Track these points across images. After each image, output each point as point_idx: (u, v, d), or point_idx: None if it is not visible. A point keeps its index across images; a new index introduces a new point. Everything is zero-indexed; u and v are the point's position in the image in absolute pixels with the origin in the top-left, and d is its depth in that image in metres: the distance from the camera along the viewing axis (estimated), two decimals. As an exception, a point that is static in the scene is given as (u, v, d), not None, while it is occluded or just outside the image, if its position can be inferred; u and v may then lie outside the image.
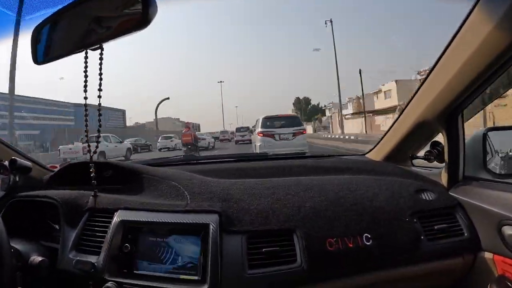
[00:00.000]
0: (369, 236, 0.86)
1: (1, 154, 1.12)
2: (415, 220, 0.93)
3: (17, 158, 1.07)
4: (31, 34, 0.76)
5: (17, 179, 1.08)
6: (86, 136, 0.87)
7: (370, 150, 1.39)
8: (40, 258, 0.83)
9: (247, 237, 0.84)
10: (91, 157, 0.89)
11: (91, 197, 0.97)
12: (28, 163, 1.10)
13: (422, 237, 0.90)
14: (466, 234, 0.93)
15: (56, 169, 1.22)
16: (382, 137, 1.30)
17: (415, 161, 1.25)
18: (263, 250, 0.81)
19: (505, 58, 0.78)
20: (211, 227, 0.83)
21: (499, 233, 0.86)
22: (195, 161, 1.49)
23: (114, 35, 0.62)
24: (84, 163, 1.17)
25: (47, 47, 0.75)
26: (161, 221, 0.86)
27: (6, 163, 1.07)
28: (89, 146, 0.89)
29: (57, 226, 1.01)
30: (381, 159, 1.30)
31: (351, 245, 0.84)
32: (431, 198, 1.00)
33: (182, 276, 0.80)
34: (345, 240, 0.85)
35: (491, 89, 0.93)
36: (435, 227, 0.93)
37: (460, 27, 0.83)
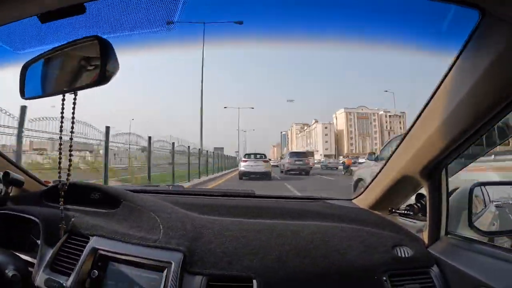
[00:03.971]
0: None
1: None
2: (384, 278, 0.89)
3: (11, 172, 1.14)
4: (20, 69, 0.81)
5: (10, 191, 1.15)
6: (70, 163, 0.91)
7: (358, 195, 1.35)
8: (12, 272, 0.88)
9: (208, 279, 0.85)
10: (67, 178, 0.92)
11: (72, 219, 1.02)
12: (21, 177, 1.17)
13: None
14: None
15: (49, 185, 1.29)
16: (369, 183, 1.27)
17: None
18: None
19: (488, 117, 0.74)
20: (173, 266, 0.85)
21: None
22: (181, 193, 1.52)
23: (83, 86, 0.66)
24: (75, 183, 1.23)
25: (34, 84, 0.81)
26: (128, 253, 0.90)
27: (0, 174, 1.15)
28: (70, 167, 0.92)
29: (39, 242, 1.07)
30: (367, 206, 1.26)
31: None
32: (407, 255, 0.95)
33: None
34: None
35: (477, 145, 0.88)
36: (407, 287, 0.88)
37: (441, 83, 0.80)
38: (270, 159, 16.25)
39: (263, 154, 14.82)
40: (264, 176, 13.37)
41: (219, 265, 0.87)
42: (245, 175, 13.60)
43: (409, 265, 0.93)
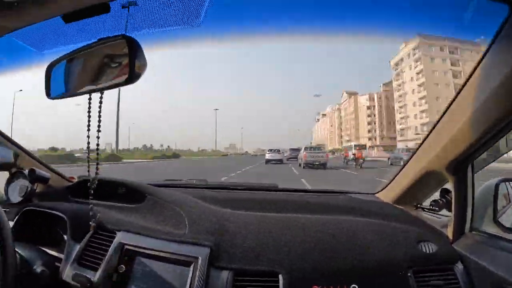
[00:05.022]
0: (357, 287, 0.84)
1: (23, 163, 1.23)
2: (409, 274, 0.88)
3: (36, 169, 1.17)
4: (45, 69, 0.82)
5: (35, 187, 1.18)
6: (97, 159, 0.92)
7: (382, 189, 1.34)
8: (41, 268, 0.91)
9: (234, 274, 0.85)
10: (93, 174, 0.94)
11: (98, 215, 1.04)
12: (47, 174, 1.20)
13: None
14: None
15: (74, 181, 1.32)
16: (394, 178, 1.25)
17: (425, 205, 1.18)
18: None
19: None
20: (199, 261, 0.86)
21: None
22: (204, 187, 1.52)
23: (111, 86, 0.66)
24: (100, 179, 1.25)
25: (60, 83, 0.81)
26: (155, 248, 0.91)
27: (27, 172, 1.18)
28: (97, 164, 0.94)
29: (66, 237, 1.10)
30: (391, 200, 1.25)
31: None
32: (432, 251, 0.94)
33: None
34: None
35: (505, 140, 0.85)
36: (431, 283, 0.88)
37: (470, 76, 0.78)
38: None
39: (278, 149, 24.39)
40: (279, 161, 22.08)
41: (245, 259, 0.88)
42: (268, 161, 22.05)
43: (433, 261, 0.92)
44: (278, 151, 23.86)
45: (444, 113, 0.89)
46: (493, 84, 0.71)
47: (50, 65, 0.81)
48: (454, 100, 0.85)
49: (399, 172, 1.20)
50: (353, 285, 0.84)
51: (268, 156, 23.05)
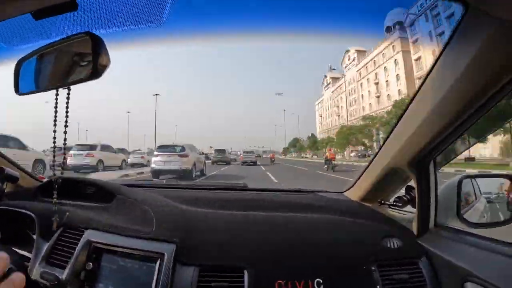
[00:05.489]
0: (321, 281, 0.86)
1: None
2: (373, 268, 0.91)
3: (5, 168, 1.15)
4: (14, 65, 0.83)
5: (4, 187, 1.16)
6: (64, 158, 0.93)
7: (350, 188, 1.37)
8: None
9: (199, 270, 0.87)
10: (57, 174, 0.94)
11: (67, 214, 1.04)
12: (16, 173, 1.18)
13: (378, 287, 0.89)
14: (428, 287, 0.90)
15: (44, 180, 1.30)
16: (360, 176, 1.29)
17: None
18: (212, 284, 0.84)
19: (473, 108, 0.75)
20: (165, 257, 0.87)
21: None
22: (175, 187, 1.54)
23: (75, 81, 0.68)
24: (70, 179, 1.25)
25: (28, 80, 0.82)
26: (122, 245, 0.91)
27: None
28: (63, 164, 0.94)
29: (34, 237, 1.09)
30: (358, 198, 1.29)
31: None
32: (396, 246, 0.98)
33: None
34: (295, 283, 0.85)
35: (465, 137, 0.90)
36: (395, 277, 0.91)
37: (428, 73, 0.81)
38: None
39: (180, 146, 11.34)
40: (184, 174, 10.41)
41: (211, 256, 0.89)
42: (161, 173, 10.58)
43: (398, 255, 0.96)
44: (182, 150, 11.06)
45: (405, 109, 0.93)
46: (449, 82, 0.74)
47: (19, 61, 0.82)
48: (415, 96, 0.88)
49: (365, 170, 1.24)
50: (317, 280, 0.87)
51: (155, 162, 10.93)
